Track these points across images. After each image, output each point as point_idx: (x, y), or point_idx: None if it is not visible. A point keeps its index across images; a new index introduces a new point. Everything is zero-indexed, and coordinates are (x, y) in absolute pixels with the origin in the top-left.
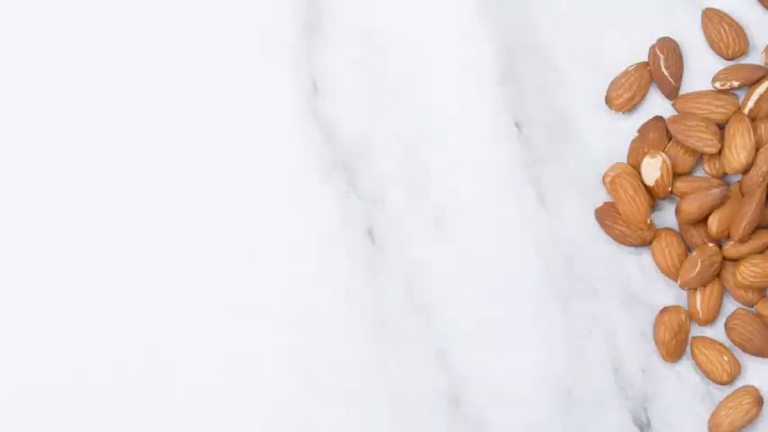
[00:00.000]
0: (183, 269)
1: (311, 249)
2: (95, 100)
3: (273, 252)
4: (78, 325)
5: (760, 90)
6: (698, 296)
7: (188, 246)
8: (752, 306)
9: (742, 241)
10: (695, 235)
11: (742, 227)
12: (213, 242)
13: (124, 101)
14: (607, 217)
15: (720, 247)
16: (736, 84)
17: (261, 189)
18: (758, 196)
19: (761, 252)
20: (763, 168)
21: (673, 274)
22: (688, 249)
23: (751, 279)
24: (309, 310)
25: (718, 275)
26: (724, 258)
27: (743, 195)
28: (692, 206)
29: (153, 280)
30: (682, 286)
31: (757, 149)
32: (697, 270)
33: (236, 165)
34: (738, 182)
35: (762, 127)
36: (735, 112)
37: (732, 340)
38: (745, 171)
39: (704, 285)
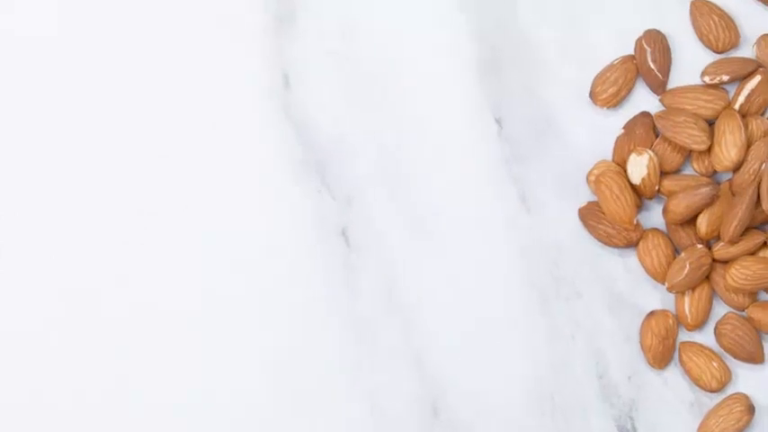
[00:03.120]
0: (149, 271)
1: (283, 251)
2: (62, 99)
3: (243, 254)
4: (44, 325)
5: (751, 85)
6: (686, 300)
7: (155, 247)
8: (743, 310)
9: (732, 242)
10: (683, 236)
11: (732, 227)
12: (181, 243)
13: (89, 99)
14: (591, 217)
15: (710, 248)
16: (726, 78)
17: (231, 188)
18: (749, 195)
19: (752, 253)
20: (755, 166)
21: (660, 276)
22: (676, 251)
23: (741, 282)
24: (281, 315)
25: (707, 278)
26: (713, 260)
27: (733, 194)
28: (680, 206)
29: (119, 283)
30: (669, 289)
31: (748, 146)
32: (685, 272)
33: (205, 163)
34: (728, 180)
35: (753, 123)
36: (725, 108)
37: (722, 346)
38: (736, 169)
39: (693, 288)
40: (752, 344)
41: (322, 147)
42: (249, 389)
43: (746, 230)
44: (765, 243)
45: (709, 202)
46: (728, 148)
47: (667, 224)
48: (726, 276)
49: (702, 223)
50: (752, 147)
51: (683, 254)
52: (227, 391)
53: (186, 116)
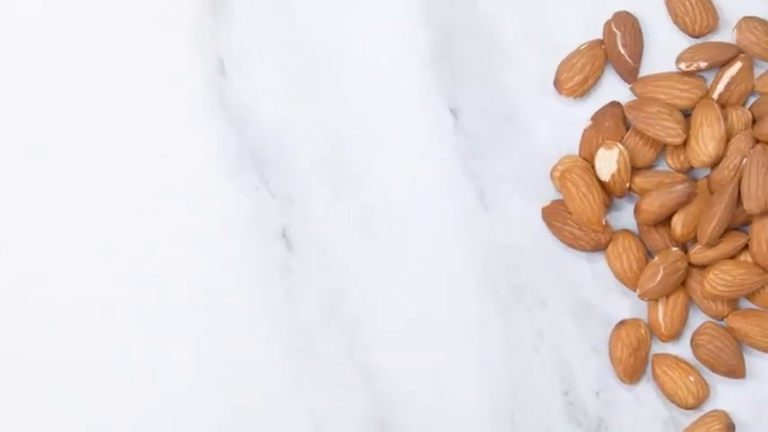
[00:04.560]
0: (70, 274)
1: (216, 254)
2: None
3: (172, 257)
4: None
5: (731, 72)
6: (660, 308)
7: (80, 247)
8: (721, 319)
9: (710, 245)
10: (657, 238)
11: (710, 228)
12: (103, 243)
13: (12, 93)
14: (556, 217)
15: (686, 251)
16: (703, 65)
17: (158, 185)
18: (729, 194)
19: (732, 257)
20: (735, 161)
21: (631, 282)
22: (648, 254)
23: (720, 288)
24: (213, 324)
25: (682, 284)
26: (690, 264)
27: (711, 192)
28: (654, 205)
29: (34, 283)
30: (641, 297)
31: (728, 140)
32: (659, 278)
33: (131, 157)
34: (706, 177)
35: (733, 114)
36: (702, 98)
37: (699, 358)
38: (715, 165)
39: (667, 296)
40: (731, 356)
41: (260, 140)
42: (177, 405)
43: (726, 232)
44: (746, 246)
45: (685, 201)
46: (706, 142)
47: (639, 225)
48: (703, 282)
49: (678, 224)
50: (732, 140)
51: (656, 258)
52: (149, 406)
53: (111, 106)
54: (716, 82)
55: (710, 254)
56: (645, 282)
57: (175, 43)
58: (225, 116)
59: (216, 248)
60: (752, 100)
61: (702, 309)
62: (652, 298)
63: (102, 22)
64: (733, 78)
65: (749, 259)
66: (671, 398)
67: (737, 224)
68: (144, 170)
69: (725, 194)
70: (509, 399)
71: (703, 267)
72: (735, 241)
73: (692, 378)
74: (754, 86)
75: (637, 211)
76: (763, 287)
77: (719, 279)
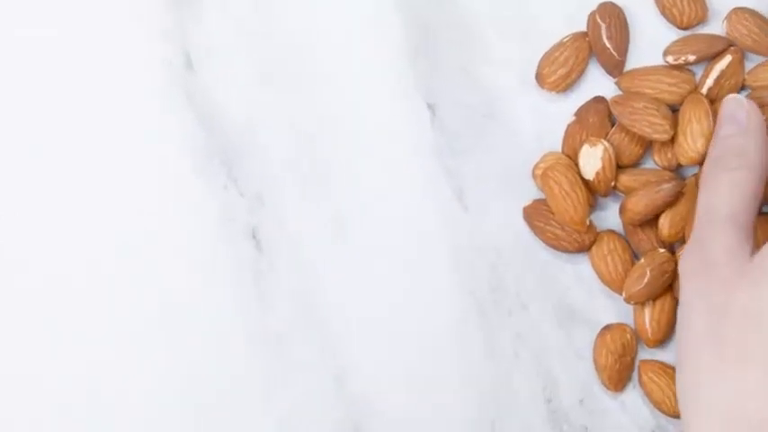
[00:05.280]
0: (30, 274)
1: (183, 255)
2: None
3: (137, 258)
4: None
5: (721, 65)
6: (646, 312)
7: (40, 248)
8: None
9: None
10: (643, 238)
11: None
12: (68, 245)
13: None
14: (538, 217)
15: (673, 252)
16: (691, 58)
17: (123, 183)
18: None
19: None
20: None
21: (616, 285)
22: (635, 256)
23: None
24: (181, 328)
25: (670, 287)
26: (677, 267)
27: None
28: (640, 204)
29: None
30: (627, 300)
31: None
32: (646, 281)
33: (94, 154)
34: (694, 175)
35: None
36: (690, 92)
37: None
38: (703, 162)
39: (654, 299)
40: None
41: (229, 136)
42: (142, 411)
43: None
44: None
45: (673, 200)
46: (695, 138)
47: (625, 225)
48: None
49: (665, 224)
50: None
51: (642, 259)
52: (114, 412)
53: (72, 102)
54: (705, 76)
55: None
56: (631, 284)
57: (140, 36)
58: (192, 112)
59: (182, 250)
60: (743, 95)
61: None
62: (638, 301)
63: (64, 15)
64: (723, 72)
65: None
66: (658, 406)
67: None
68: (107, 168)
69: None
70: (489, 407)
71: None
72: None
73: None
74: (745, 80)
75: (622, 210)
76: None
77: None
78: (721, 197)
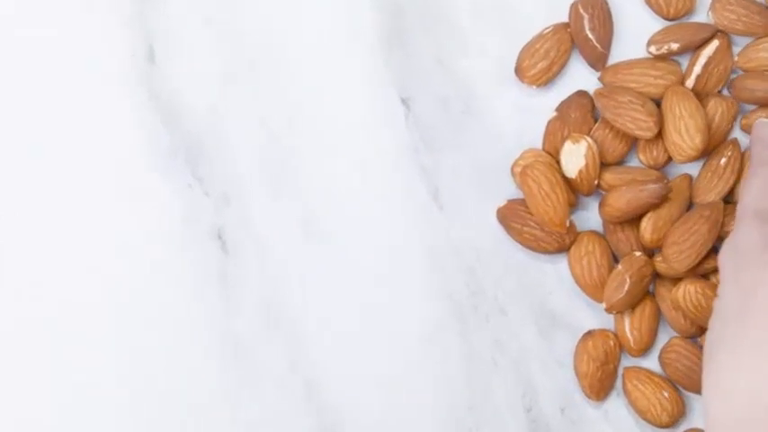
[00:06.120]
0: None
1: (147, 257)
2: None
3: (99, 260)
4: None
5: (708, 51)
6: (626, 320)
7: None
8: (690, 337)
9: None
10: (622, 239)
11: (691, 259)
12: (25, 247)
13: None
14: (514, 218)
15: (651, 256)
16: (675, 46)
17: (82, 182)
18: (713, 218)
19: (703, 276)
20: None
21: (590, 289)
22: (614, 258)
23: (691, 306)
24: (144, 332)
25: (649, 292)
26: (656, 270)
27: (691, 197)
28: (621, 200)
29: None
30: (608, 310)
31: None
32: (626, 288)
33: (53, 151)
34: (682, 176)
35: (712, 103)
36: (675, 84)
37: (669, 377)
38: (701, 158)
39: (633, 307)
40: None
41: (193, 133)
42: (102, 421)
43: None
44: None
45: (657, 203)
46: (691, 135)
47: (604, 223)
48: (673, 291)
49: (647, 228)
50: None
51: (620, 265)
52: (72, 421)
53: (29, 96)
54: (692, 64)
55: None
56: (611, 293)
57: (100, 27)
58: (154, 107)
59: (145, 252)
60: (733, 78)
61: (669, 322)
62: (620, 311)
63: (19, 5)
64: (711, 58)
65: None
66: (643, 415)
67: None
68: (66, 166)
69: (708, 216)
70: (466, 415)
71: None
72: (708, 262)
73: (666, 394)
74: (736, 63)
75: (602, 205)
76: None
77: (693, 296)
78: (751, 194)
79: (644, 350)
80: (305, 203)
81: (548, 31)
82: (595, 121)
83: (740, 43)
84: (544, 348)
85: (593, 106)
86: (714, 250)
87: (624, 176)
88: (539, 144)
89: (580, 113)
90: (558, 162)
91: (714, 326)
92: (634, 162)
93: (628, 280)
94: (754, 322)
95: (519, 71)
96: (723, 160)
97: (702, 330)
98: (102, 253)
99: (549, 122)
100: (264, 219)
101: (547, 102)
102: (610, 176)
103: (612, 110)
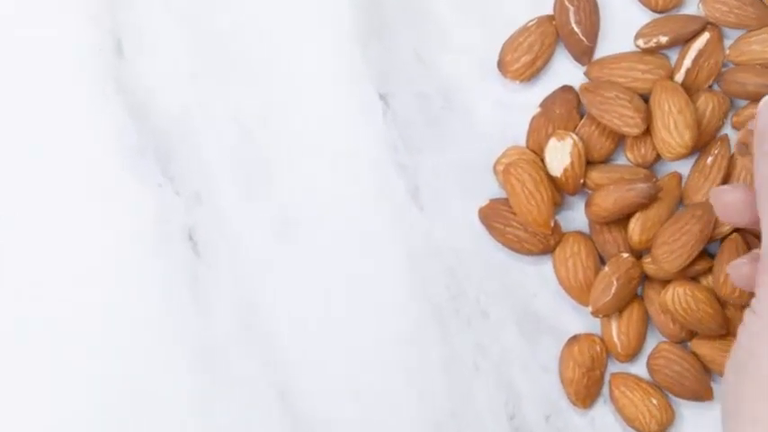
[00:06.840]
0: None
1: (114, 258)
2: None
3: (64, 262)
4: None
5: (698, 44)
6: (613, 325)
7: None
8: (679, 342)
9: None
10: (609, 240)
11: (681, 261)
12: None
13: None
14: (496, 218)
15: (639, 257)
16: (664, 39)
17: (49, 180)
18: (704, 219)
19: (692, 278)
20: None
21: (574, 292)
22: (600, 260)
23: (680, 308)
24: (112, 338)
25: (637, 295)
26: (644, 272)
27: (681, 197)
28: (608, 200)
29: None
30: (595, 314)
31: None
32: (613, 291)
33: (17, 149)
34: (670, 175)
35: (703, 98)
36: (663, 78)
37: (658, 383)
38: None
39: (621, 310)
40: (694, 380)
41: (163, 130)
42: (70, 427)
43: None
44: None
45: (645, 203)
46: (680, 132)
47: (590, 223)
48: (662, 293)
49: (635, 229)
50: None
51: (606, 268)
52: (42, 423)
53: None
54: (682, 57)
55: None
56: (597, 297)
57: (66, 20)
58: (123, 103)
59: (113, 253)
60: (724, 71)
61: (657, 326)
62: (606, 314)
63: None
64: (701, 51)
65: (710, 283)
66: (631, 423)
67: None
68: (31, 165)
69: (700, 216)
70: (447, 423)
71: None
72: (699, 264)
73: (654, 401)
74: (728, 56)
75: (588, 204)
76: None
77: (682, 299)
78: None
79: (632, 355)
80: (279, 203)
81: (531, 23)
82: (581, 117)
83: (731, 36)
84: (528, 353)
85: (579, 102)
86: (705, 252)
87: (611, 175)
88: (522, 141)
89: (565, 109)
90: (542, 160)
91: (738, 342)
92: (621, 160)
93: (615, 282)
94: None
95: (502, 66)
96: (710, 159)
97: (692, 335)
98: (70, 253)
99: (533, 119)
100: (237, 219)
101: (531, 97)
102: (596, 175)
103: (599, 106)
